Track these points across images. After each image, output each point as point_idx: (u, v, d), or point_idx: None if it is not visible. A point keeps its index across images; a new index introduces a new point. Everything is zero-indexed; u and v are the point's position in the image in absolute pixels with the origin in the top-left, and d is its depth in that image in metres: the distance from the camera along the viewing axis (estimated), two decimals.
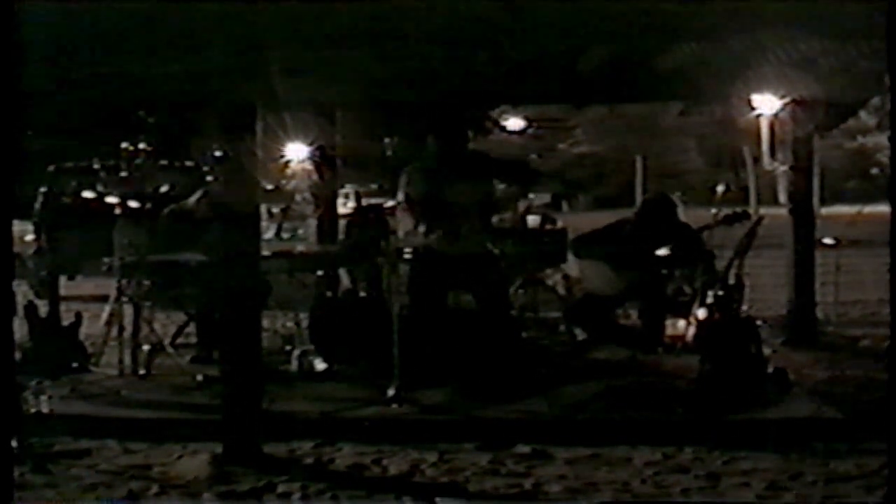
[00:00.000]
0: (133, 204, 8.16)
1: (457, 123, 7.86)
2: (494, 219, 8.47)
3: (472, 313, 7.81)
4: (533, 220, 10.25)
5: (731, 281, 7.45)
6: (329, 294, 8.75)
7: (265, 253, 7.53)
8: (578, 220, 12.43)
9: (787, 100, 8.51)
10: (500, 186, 8.13)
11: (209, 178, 8.76)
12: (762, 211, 9.61)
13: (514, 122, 22.71)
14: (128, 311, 7.89)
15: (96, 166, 9.20)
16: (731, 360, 6.86)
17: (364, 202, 12.13)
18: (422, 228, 7.34)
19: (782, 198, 9.48)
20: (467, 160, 7.74)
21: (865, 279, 10.23)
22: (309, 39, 5.67)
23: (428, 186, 7.51)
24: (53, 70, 6.10)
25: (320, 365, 7.71)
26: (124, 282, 7.87)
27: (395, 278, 7.20)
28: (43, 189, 12.91)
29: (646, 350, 8.04)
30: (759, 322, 7.38)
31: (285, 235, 12.11)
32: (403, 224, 7.55)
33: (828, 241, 9.61)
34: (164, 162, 11.88)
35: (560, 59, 6.26)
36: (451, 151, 7.61)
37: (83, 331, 8.14)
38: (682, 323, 7.87)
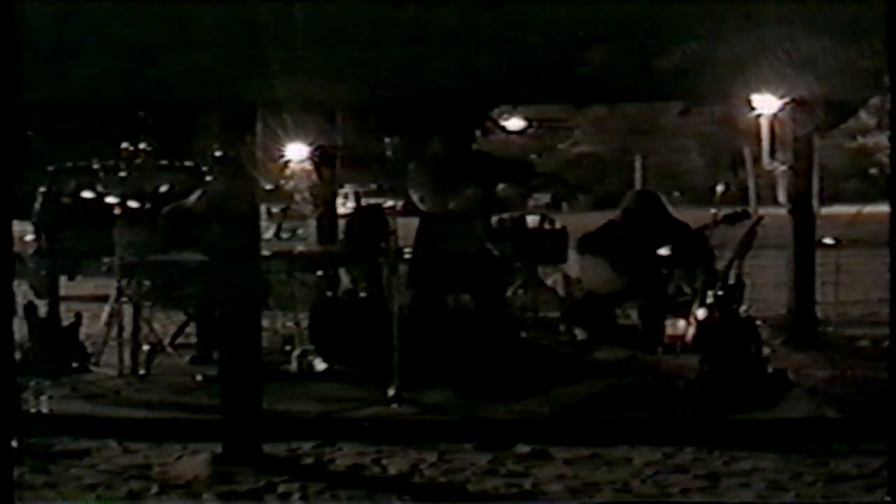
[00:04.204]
0: (133, 204, 8.16)
1: (461, 124, 7.89)
2: (494, 219, 8.49)
3: (472, 313, 7.82)
4: (533, 220, 10.24)
5: (731, 281, 7.45)
6: (329, 294, 8.75)
7: (265, 253, 7.53)
8: (578, 220, 12.42)
9: (787, 100, 8.51)
10: (501, 187, 8.15)
11: (209, 178, 8.77)
12: (762, 211, 9.60)
13: (514, 122, 22.72)
14: (128, 311, 7.90)
15: (96, 166, 9.21)
16: (731, 360, 6.86)
17: (364, 202, 12.13)
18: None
19: (782, 198, 9.46)
20: (469, 160, 7.75)
21: (865, 279, 10.23)
22: (309, 39, 5.67)
23: (430, 185, 7.54)
24: (54, 70, 6.09)
25: (320, 365, 7.71)
26: (124, 282, 7.88)
27: (395, 278, 7.20)
28: (43, 189, 12.91)
29: (646, 350, 8.05)
30: (759, 322, 7.38)
31: (285, 235, 12.10)
32: None
33: (828, 241, 9.60)
34: (164, 162, 11.89)
35: (560, 59, 6.26)
36: (454, 151, 7.64)
37: (83, 331, 8.15)
38: (682, 323, 7.87)
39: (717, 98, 11.57)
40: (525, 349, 8.27)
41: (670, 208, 8.69)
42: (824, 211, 9.83)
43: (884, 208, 4.63)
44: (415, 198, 7.66)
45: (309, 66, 6.08)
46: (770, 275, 9.93)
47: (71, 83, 6.66)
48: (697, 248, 8.32)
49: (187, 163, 12.82)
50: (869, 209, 8.84)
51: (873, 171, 37.90)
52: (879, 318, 9.66)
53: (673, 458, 5.76)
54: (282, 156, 10.86)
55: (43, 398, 6.60)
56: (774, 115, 9.29)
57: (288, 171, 12.07)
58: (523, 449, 5.87)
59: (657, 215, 8.52)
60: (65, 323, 8.09)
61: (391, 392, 6.66)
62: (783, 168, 9.75)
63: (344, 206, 12.68)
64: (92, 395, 7.12)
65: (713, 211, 8.52)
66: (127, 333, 7.79)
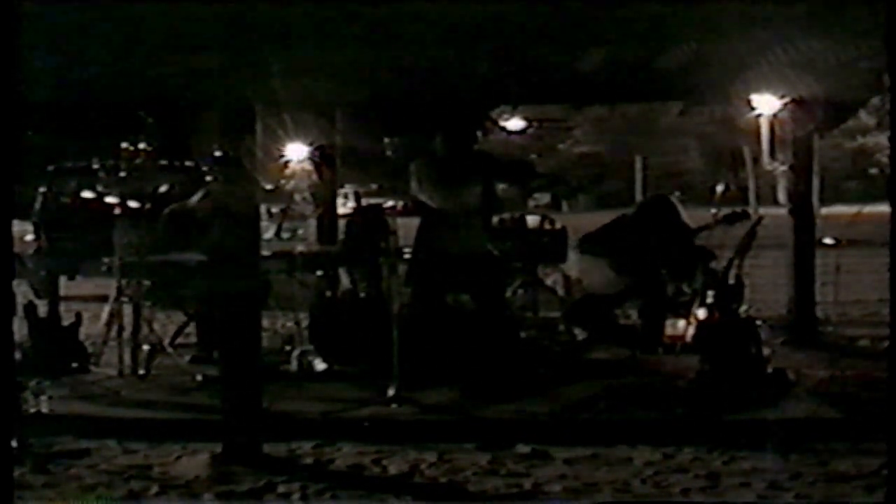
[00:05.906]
0: (133, 204, 8.16)
1: (465, 123, 7.89)
2: (494, 219, 8.49)
3: (472, 313, 7.82)
4: (533, 220, 10.23)
5: (731, 281, 7.46)
6: (329, 294, 8.76)
7: (265, 253, 7.53)
8: (578, 220, 12.41)
9: (787, 100, 8.51)
10: (502, 187, 8.14)
11: (209, 178, 8.76)
12: (762, 211, 9.60)
13: (514, 122, 22.72)
14: (128, 311, 7.90)
15: (96, 166, 9.19)
16: (731, 360, 6.86)
17: (364, 202, 12.12)
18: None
19: (782, 198, 9.47)
20: (471, 160, 7.75)
21: (865, 279, 10.23)
22: (309, 39, 5.67)
23: (432, 185, 7.55)
24: (54, 70, 6.10)
25: (320, 365, 7.72)
26: (124, 282, 7.88)
27: (395, 278, 7.20)
28: (43, 189, 12.89)
29: (646, 350, 8.04)
30: (759, 322, 7.38)
31: (285, 235, 12.09)
32: None
33: (828, 241, 9.60)
34: (164, 162, 11.88)
35: (560, 59, 6.26)
36: (457, 151, 7.64)
37: (83, 331, 8.15)
38: (682, 323, 7.88)
39: (717, 98, 11.57)
40: (525, 349, 8.27)
41: (684, 215, 8.66)
42: (824, 211, 9.79)
43: (884, 208, 4.62)
44: (422, 196, 7.66)
45: (309, 66, 6.09)
46: (770, 275, 9.92)
47: (71, 83, 6.66)
48: (697, 249, 8.32)
49: (187, 163, 12.81)
50: (869, 209, 8.84)
51: (873, 171, 37.89)
52: (879, 318, 9.66)
53: (673, 458, 5.76)
54: (282, 156, 10.86)
55: (43, 398, 6.59)
56: (774, 115, 9.29)
57: (288, 171, 12.07)
58: (523, 449, 5.87)
59: (666, 220, 8.50)
60: (65, 323, 8.09)
61: (391, 392, 6.66)
62: (783, 168, 9.75)
63: (344, 206, 12.68)
64: (92, 395, 7.13)
65: (713, 211, 8.52)
66: (127, 333, 7.79)
